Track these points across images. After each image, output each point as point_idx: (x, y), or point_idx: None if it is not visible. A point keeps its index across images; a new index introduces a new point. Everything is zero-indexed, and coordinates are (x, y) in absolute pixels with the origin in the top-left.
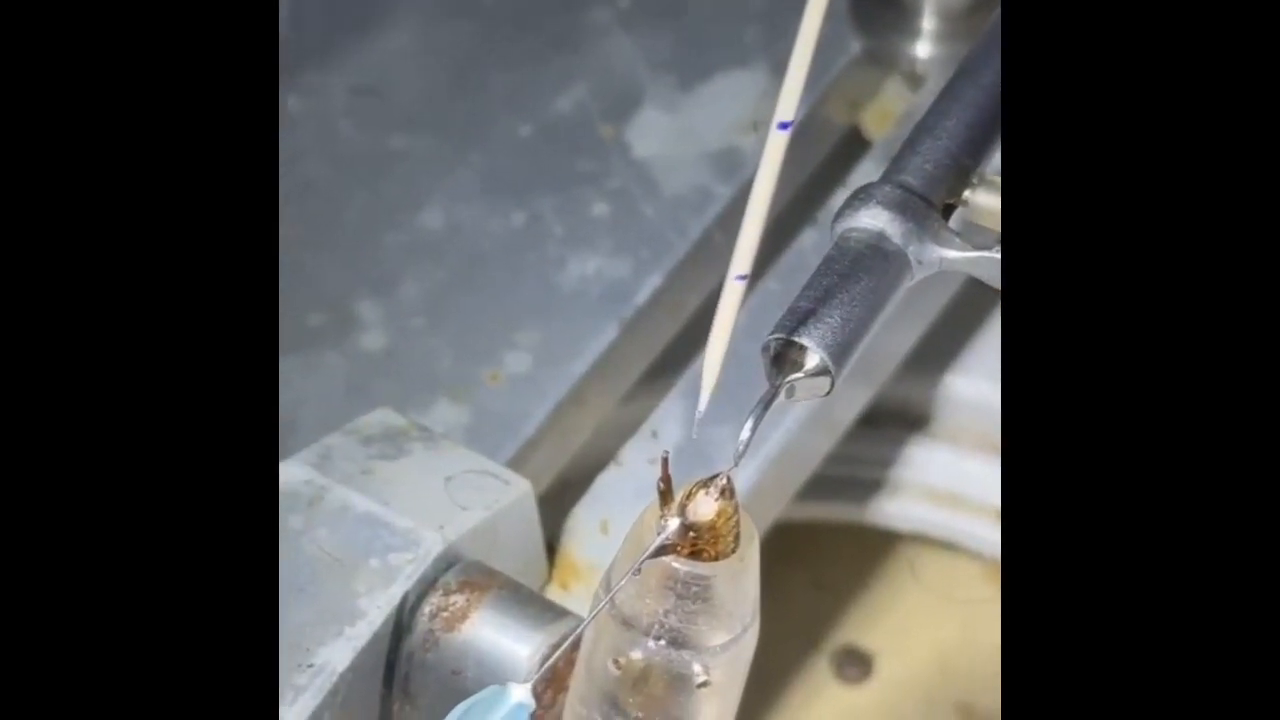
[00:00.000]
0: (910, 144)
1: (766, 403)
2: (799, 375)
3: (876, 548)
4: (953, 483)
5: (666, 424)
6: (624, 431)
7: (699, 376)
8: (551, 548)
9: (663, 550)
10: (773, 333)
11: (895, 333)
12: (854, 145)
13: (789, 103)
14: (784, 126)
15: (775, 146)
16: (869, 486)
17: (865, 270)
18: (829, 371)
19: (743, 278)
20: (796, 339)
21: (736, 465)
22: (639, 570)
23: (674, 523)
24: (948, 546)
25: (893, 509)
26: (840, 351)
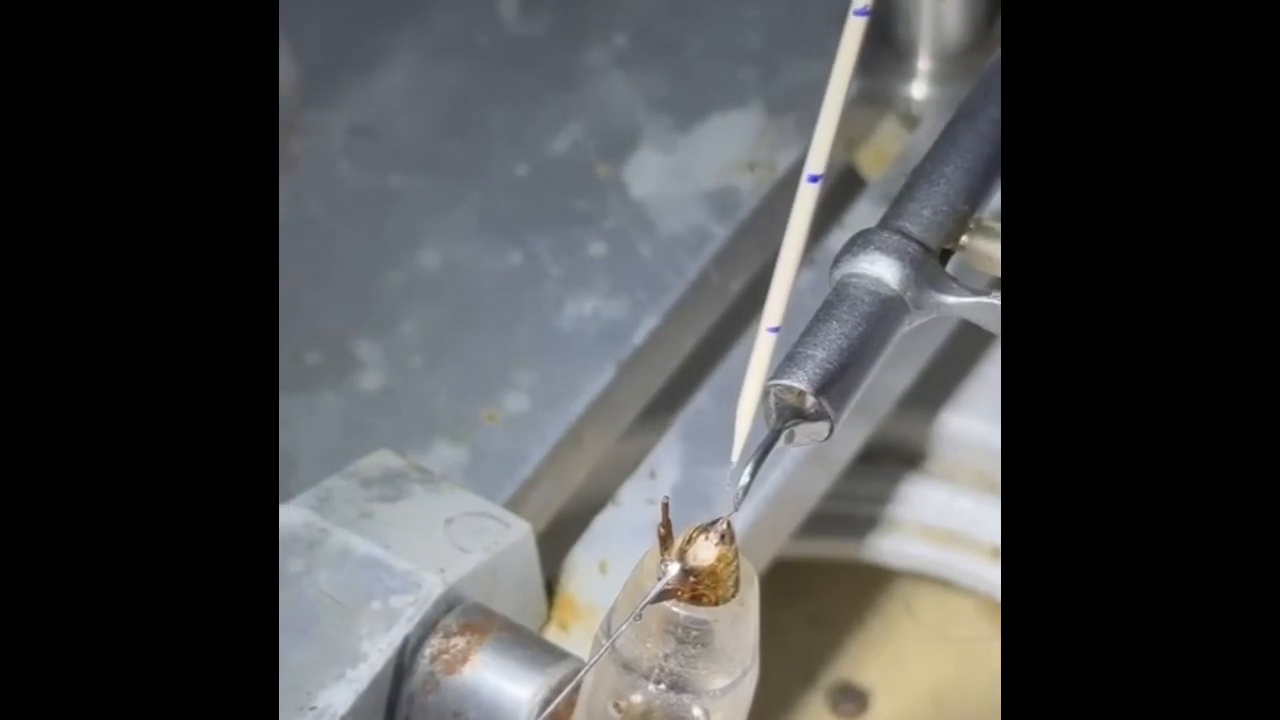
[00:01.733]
0: (908, 189)
1: (766, 448)
2: (799, 421)
3: (873, 584)
4: (948, 520)
5: (664, 464)
6: (622, 471)
7: (697, 416)
8: (550, 588)
9: (663, 595)
10: (773, 378)
11: (892, 371)
12: (850, 185)
13: (819, 156)
14: (814, 179)
15: (806, 199)
16: (865, 524)
17: (863, 316)
18: (829, 417)
19: (775, 330)
20: (797, 385)
21: (736, 510)
22: (640, 615)
23: (674, 568)
24: (944, 583)
25: (889, 546)
26: (839, 398)
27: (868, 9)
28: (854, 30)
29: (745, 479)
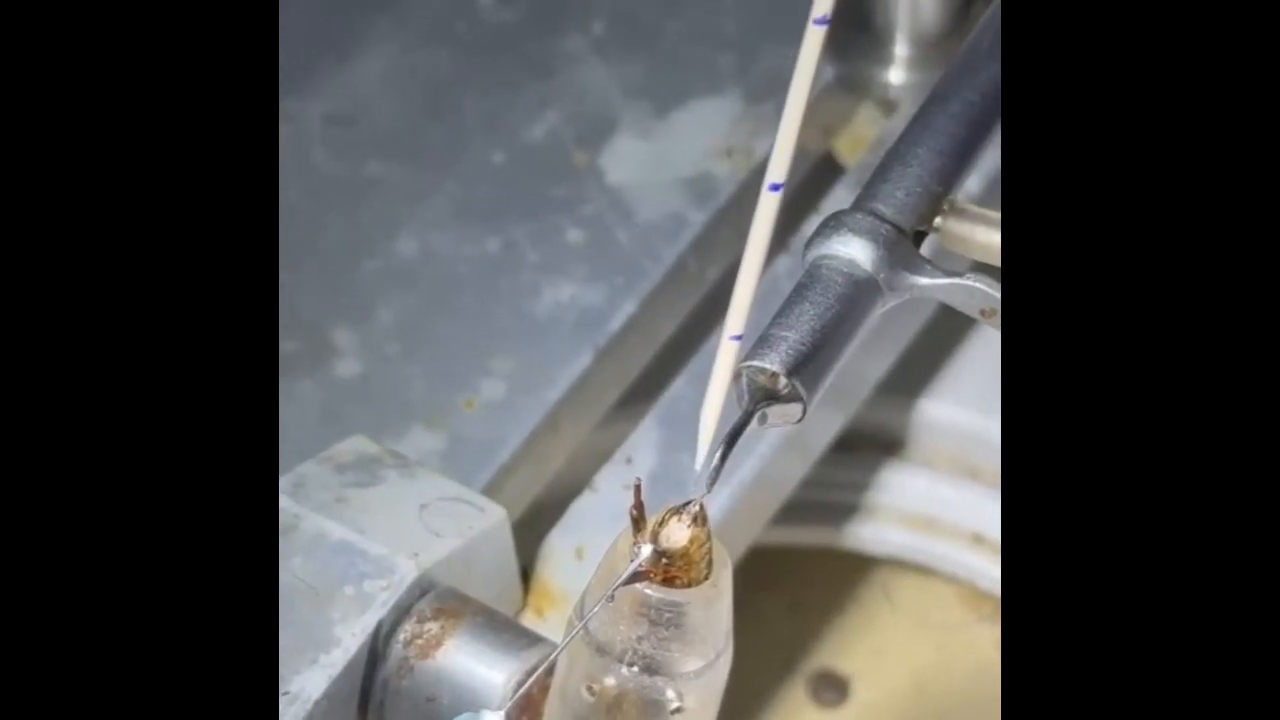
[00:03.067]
0: (881, 171)
1: (738, 430)
2: (771, 403)
3: (852, 571)
4: (928, 507)
5: (641, 450)
6: (599, 457)
7: (674, 403)
8: (526, 573)
9: (636, 577)
10: (745, 360)
11: (870, 357)
12: (828, 171)
13: (780, 165)
14: (775, 188)
15: (767, 208)
16: (844, 511)
17: (837, 298)
18: (801, 399)
19: (737, 338)
20: (769, 366)
21: (708, 492)
22: (612, 597)
23: (647, 550)
24: (923, 570)
25: (868, 533)
26: (812, 379)
27: (827, 18)
28: (813, 39)
29: (716, 461)
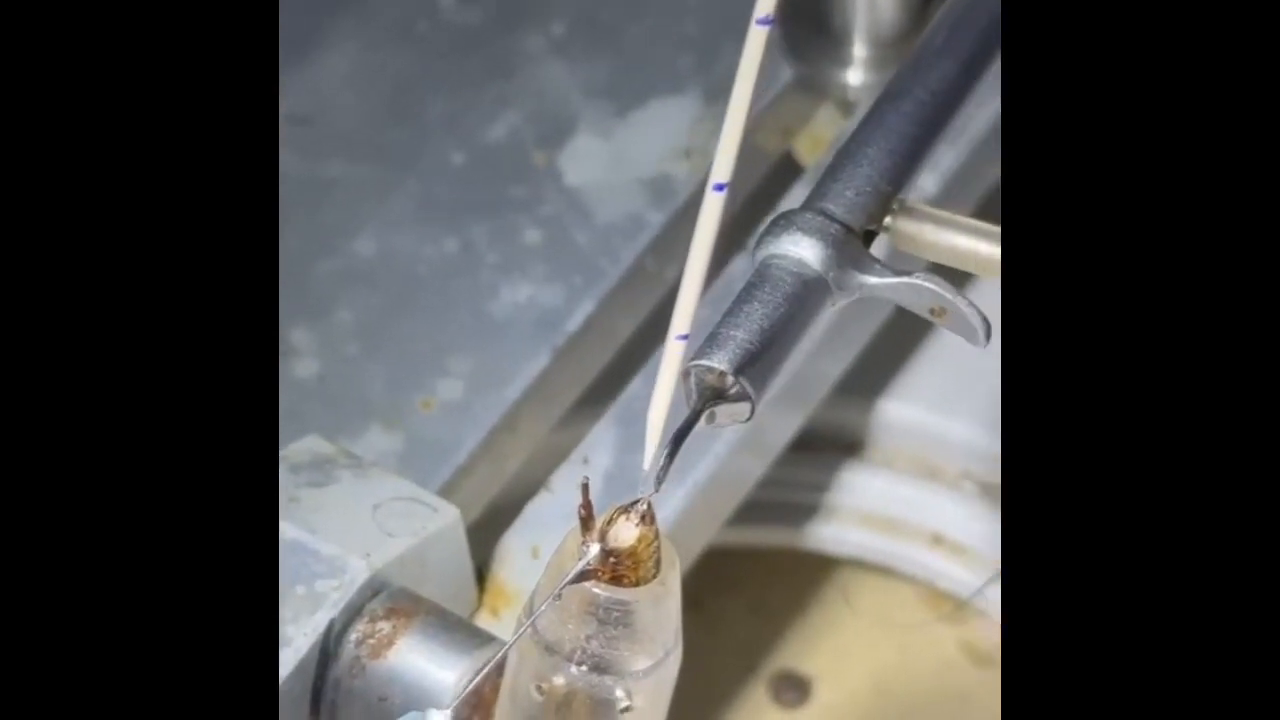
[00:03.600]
0: (831, 171)
1: (685, 429)
2: (719, 401)
3: (813, 572)
4: (888, 507)
5: (598, 450)
6: (556, 458)
7: (631, 403)
8: (482, 574)
9: (584, 576)
10: (693, 359)
11: (827, 357)
12: (787, 172)
13: (724, 165)
14: (719, 188)
15: (711, 208)
16: (804, 511)
17: (785, 297)
18: (749, 398)
19: (684, 337)
20: (716, 365)
21: (657, 491)
22: (560, 596)
23: (595, 548)
24: (884, 570)
25: (828, 533)
26: (760, 378)
27: (769, 18)
28: (756, 39)
29: (663, 460)
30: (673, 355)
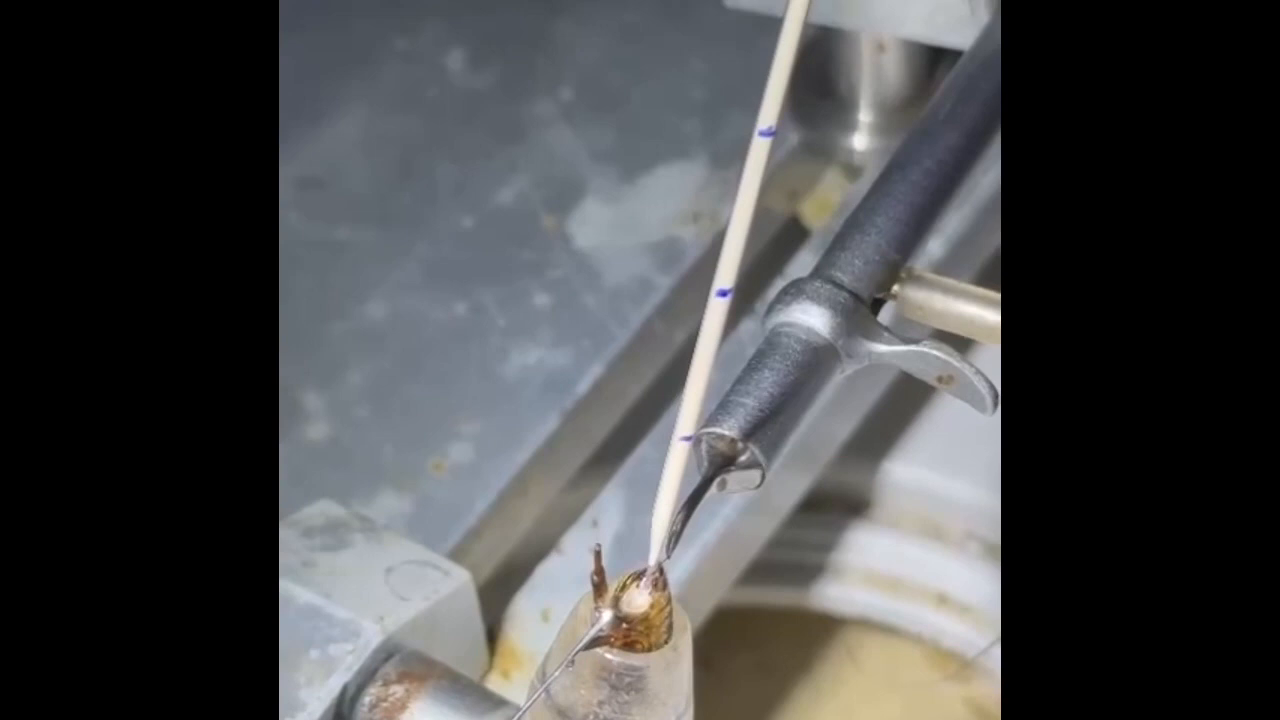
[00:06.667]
0: (840, 239)
1: (696, 497)
2: (730, 469)
3: (819, 631)
4: (893, 567)
5: (608, 512)
6: (566, 520)
7: (640, 465)
8: (493, 636)
9: (596, 641)
10: (704, 426)
11: (834, 418)
12: (793, 235)
13: (728, 271)
14: (723, 294)
15: (715, 314)
16: (811, 571)
17: (795, 365)
18: (760, 465)
19: (689, 439)
20: (727, 433)
21: (668, 558)
22: (573, 661)
23: (607, 614)
24: (889, 630)
25: (835, 593)
26: (771, 445)
27: (771, 130)
28: (759, 150)
29: (677, 527)
30: (678, 457)
